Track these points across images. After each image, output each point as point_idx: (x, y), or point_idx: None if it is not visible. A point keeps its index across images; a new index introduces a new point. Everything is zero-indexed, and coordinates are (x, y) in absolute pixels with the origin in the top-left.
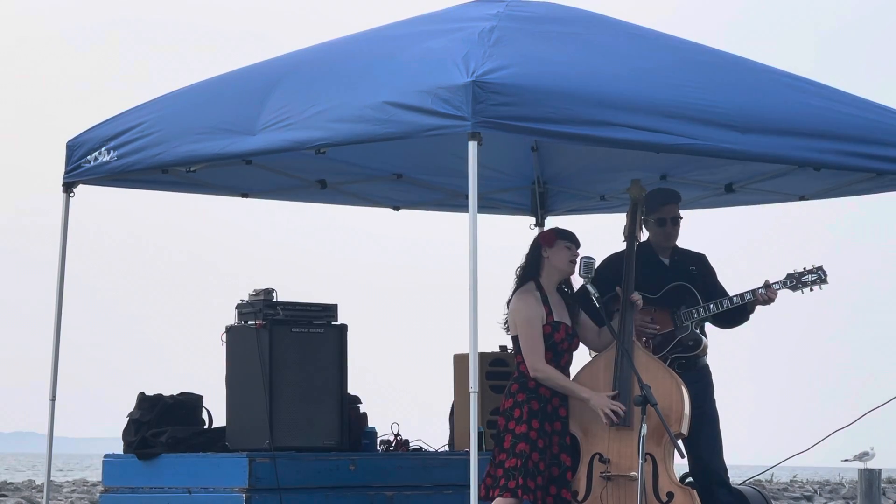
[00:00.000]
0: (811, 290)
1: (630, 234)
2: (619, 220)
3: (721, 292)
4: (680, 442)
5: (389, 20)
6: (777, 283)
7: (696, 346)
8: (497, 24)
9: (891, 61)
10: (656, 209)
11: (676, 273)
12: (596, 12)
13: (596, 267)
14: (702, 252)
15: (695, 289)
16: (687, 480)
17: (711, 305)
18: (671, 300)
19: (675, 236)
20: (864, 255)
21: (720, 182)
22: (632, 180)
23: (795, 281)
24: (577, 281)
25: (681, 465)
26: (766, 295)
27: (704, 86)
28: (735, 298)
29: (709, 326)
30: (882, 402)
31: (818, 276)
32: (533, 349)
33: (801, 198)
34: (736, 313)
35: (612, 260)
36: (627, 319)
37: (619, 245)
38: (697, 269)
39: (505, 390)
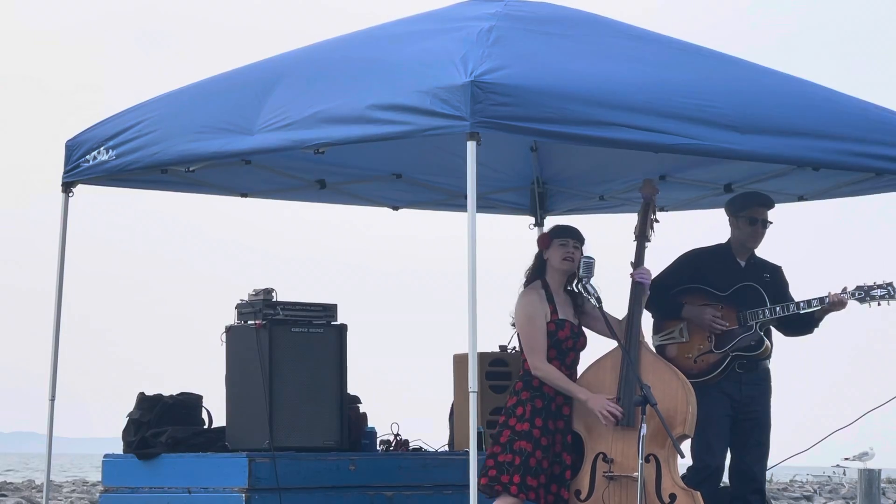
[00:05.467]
0: (878, 304)
1: (640, 233)
2: (618, 220)
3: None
4: (685, 444)
5: (388, 18)
6: (846, 293)
7: (758, 347)
8: (496, 23)
9: (890, 61)
10: (749, 207)
11: (749, 276)
12: (594, 13)
13: (595, 266)
14: (779, 264)
15: (765, 292)
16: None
17: (778, 308)
18: (739, 300)
19: (760, 240)
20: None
21: (719, 182)
22: (644, 179)
23: (864, 293)
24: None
25: (682, 465)
26: (836, 298)
27: (704, 86)
28: (802, 304)
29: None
30: (882, 402)
31: (887, 292)
32: (533, 347)
33: (800, 198)
34: (803, 321)
35: (696, 254)
36: (636, 318)
37: (617, 244)
38: (771, 277)
39: (510, 388)
